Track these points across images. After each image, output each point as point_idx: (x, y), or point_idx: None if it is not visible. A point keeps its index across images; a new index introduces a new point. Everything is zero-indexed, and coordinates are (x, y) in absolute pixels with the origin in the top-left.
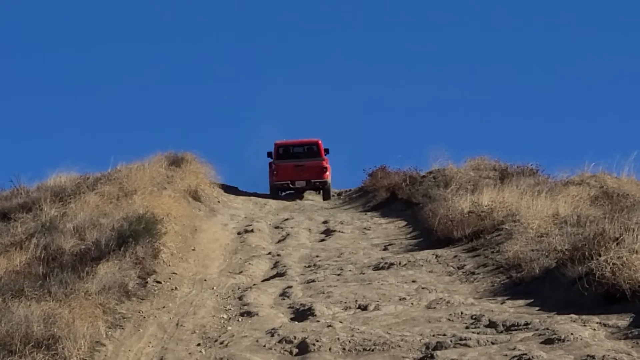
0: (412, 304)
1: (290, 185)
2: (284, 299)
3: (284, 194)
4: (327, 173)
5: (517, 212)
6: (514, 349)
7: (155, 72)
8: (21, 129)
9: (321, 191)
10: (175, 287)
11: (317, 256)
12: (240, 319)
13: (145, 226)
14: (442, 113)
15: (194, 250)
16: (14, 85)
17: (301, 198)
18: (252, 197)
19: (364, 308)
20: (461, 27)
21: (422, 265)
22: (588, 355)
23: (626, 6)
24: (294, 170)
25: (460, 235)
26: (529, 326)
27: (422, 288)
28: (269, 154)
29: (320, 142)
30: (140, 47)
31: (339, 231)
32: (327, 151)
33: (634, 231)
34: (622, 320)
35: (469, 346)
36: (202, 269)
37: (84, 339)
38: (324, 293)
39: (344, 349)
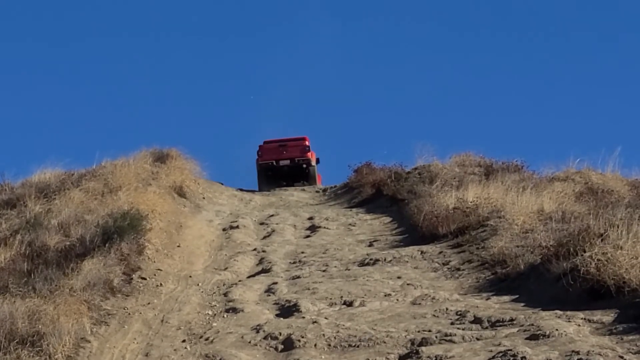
0: (397, 300)
1: (275, 164)
2: (269, 295)
3: (271, 189)
4: (310, 153)
5: (502, 208)
6: (499, 344)
7: (141, 67)
8: (5, 125)
9: (306, 176)
10: (161, 284)
11: (303, 252)
12: (225, 315)
13: (130, 222)
14: (427, 109)
15: (179, 246)
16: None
17: (290, 184)
18: (237, 194)
19: (349, 304)
20: (446, 25)
21: (407, 262)
22: (573, 351)
23: (610, 8)
24: (278, 150)
25: (445, 232)
26: (514, 322)
27: (408, 284)
28: (258, 154)
29: (306, 137)
30: (129, 42)
31: (324, 227)
32: (318, 160)
33: (618, 227)
34: (607, 316)
35: (454, 342)
36: (187, 266)
37: (68, 336)
38: (309, 289)
39: (330, 345)
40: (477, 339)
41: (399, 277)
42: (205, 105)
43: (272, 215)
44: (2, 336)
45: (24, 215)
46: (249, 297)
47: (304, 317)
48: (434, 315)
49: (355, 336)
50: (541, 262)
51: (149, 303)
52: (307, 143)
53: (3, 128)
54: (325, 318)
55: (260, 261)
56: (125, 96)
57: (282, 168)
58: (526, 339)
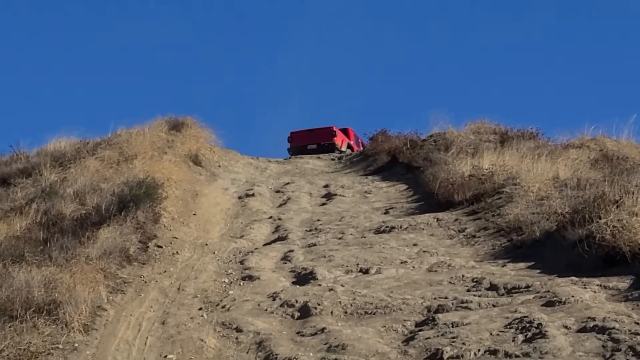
0: (413, 267)
1: (303, 148)
2: (285, 263)
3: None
4: (337, 137)
5: (517, 175)
6: (515, 311)
7: (157, 35)
8: (21, 94)
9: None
10: (177, 252)
11: (318, 220)
12: (241, 283)
13: (146, 191)
14: (442, 77)
15: (195, 214)
16: (12, 50)
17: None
18: (252, 162)
19: (366, 271)
20: None
21: (423, 229)
22: (589, 318)
23: None
24: (306, 135)
25: (461, 199)
26: (530, 289)
27: (424, 251)
28: (289, 139)
29: (335, 127)
30: (146, 10)
31: (340, 195)
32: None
33: (633, 194)
34: (623, 283)
35: (470, 309)
36: (203, 234)
37: (85, 304)
38: (325, 257)
39: (346, 312)
40: (493, 306)
41: (414, 245)
42: (222, 74)
43: (287, 183)
44: (18, 305)
45: (40, 184)
46: (265, 265)
47: (320, 285)
48: (450, 282)
49: (372, 303)
50: (557, 229)
51: (165, 271)
52: (334, 129)
53: (18, 97)
54: (342, 285)
55: (276, 229)
56: (140, 64)
57: (309, 152)
58: (542, 305)
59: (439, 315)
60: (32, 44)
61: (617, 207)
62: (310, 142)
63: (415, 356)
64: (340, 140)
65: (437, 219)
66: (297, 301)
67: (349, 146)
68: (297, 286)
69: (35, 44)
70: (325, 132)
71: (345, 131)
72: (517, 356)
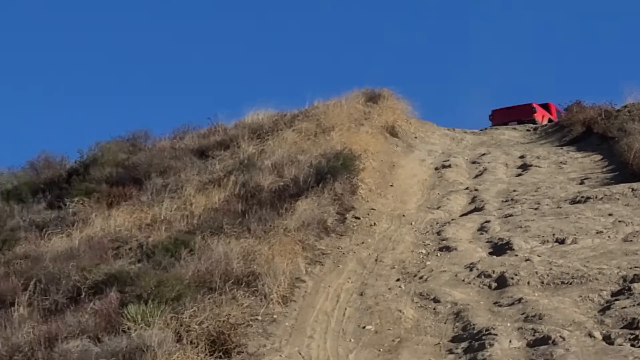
0: (608, 237)
1: (504, 124)
2: (481, 234)
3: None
4: (537, 113)
5: None
6: None
7: (358, 7)
8: (219, 67)
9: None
10: (374, 223)
11: (514, 190)
12: (438, 254)
13: (343, 162)
14: (636, 47)
15: (391, 186)
16: (210, 26)
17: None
18: (448, 133)
19: (561, 242)
20: None
21: (618, 199)
22: None
23: None
24: (507, 113)
25: None
26: None
27: (619, 221)
28: (490, 117)
29: (534, 103)
30: None
31: (536, 165)
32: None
33: None
34: None
35: None
36: (400, 205)
37: (283, 276)
38: (521, 227)
39: (542, 282)
40: None
41: (610, 215)
42: (419, 44)
43: (483, 154)
44: (217, 277)
45: (238, 156)
46: (462, 236)
47: (516, 255)
48: None
49: (568, 273)
50: None
51: (362, 242)
52: (534, 105)
53: (217, 70)
54: (538, 256)
55: (473, 200)
56: (337, 35)
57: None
58: None
59: (635, 285)
60: (230, 16)
61: None
62: (511, 119)
63: (612, 325)
64: (540, 116)
65: (632, 189)
66: (493, 272)
67: (550, 121)
68: (494, 257)
69: (233, 17)
70: (526, 108)
71: (546, 106)
72: None
